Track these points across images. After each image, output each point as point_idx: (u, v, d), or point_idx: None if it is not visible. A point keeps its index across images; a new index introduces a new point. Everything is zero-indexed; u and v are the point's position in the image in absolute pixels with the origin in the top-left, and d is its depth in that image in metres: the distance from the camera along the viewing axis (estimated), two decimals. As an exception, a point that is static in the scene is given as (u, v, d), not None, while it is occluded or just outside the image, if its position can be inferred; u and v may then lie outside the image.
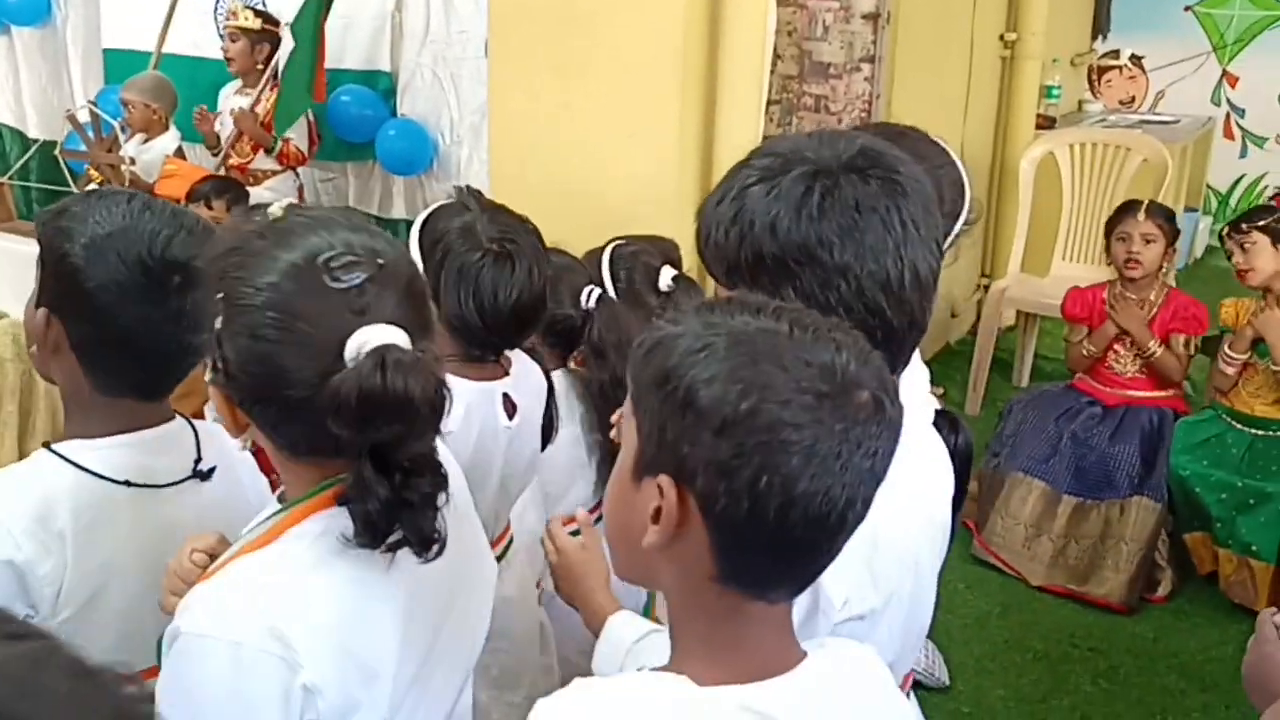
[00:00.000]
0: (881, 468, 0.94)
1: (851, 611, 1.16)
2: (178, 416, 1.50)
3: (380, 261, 1.10)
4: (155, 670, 1.12)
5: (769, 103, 3.63)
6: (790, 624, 1.02)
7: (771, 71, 3.53)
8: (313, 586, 1.11)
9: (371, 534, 1.10)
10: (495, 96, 3.63)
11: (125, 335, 1.37)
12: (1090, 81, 7.40)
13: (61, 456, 1.38)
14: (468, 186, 1.95)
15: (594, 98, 3.32)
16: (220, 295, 1.09)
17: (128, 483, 1.39)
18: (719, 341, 0.92)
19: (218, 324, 1.09)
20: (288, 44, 4.47)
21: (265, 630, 1.07)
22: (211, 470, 1.47)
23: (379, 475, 1.08)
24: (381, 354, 1.04)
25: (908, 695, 1.36)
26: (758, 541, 0.92)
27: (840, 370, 0.91)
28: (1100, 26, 7.28)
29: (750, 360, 0.91)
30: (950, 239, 1.70)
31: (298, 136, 4.63)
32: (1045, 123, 5.82)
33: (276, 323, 1.06)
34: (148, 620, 1.29)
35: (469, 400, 1.81)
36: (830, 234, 1.13)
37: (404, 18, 4.76)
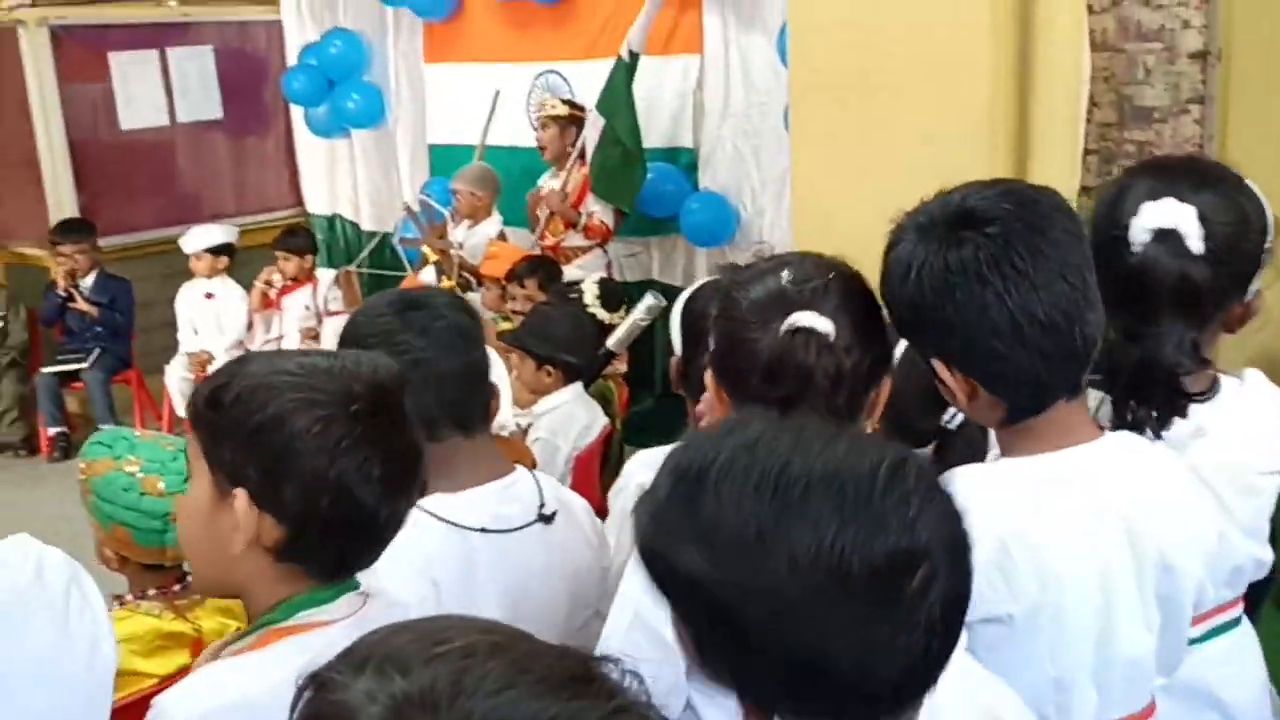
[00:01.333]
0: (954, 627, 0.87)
1: (985, 612, 1.16)
2: (519, 467, 1.65)
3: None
4: None
5: (1086, 152, 3.45)
6: None
7: (1087, 120, 3.35)
8: None
9: None
10: (797, 165, 3.65)
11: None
12: None
13: (429, 512, 1.53)
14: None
15: (898, 161, 3.26)
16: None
17: (484, 529, 1.54)
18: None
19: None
20: (594, 126, 4.70)
21: None
22: (553, 514, 1.63)
23: None
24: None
25: None
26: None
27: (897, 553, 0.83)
28: None
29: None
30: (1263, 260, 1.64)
31: (602, 211, 4.84)
32: None
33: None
34: None
35: None
36: (928, 295, 1.24)
37: (704, 94, 4.90)
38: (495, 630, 0.71)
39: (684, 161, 5.01)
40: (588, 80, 5.18)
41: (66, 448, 5.57)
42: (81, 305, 5.61)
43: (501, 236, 5.14)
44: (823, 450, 0.86)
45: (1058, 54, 3.05)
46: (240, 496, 1.17)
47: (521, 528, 1.58)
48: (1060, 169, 3.08)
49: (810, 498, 0.83)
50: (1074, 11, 3.12)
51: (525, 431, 3.17)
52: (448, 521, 1.53)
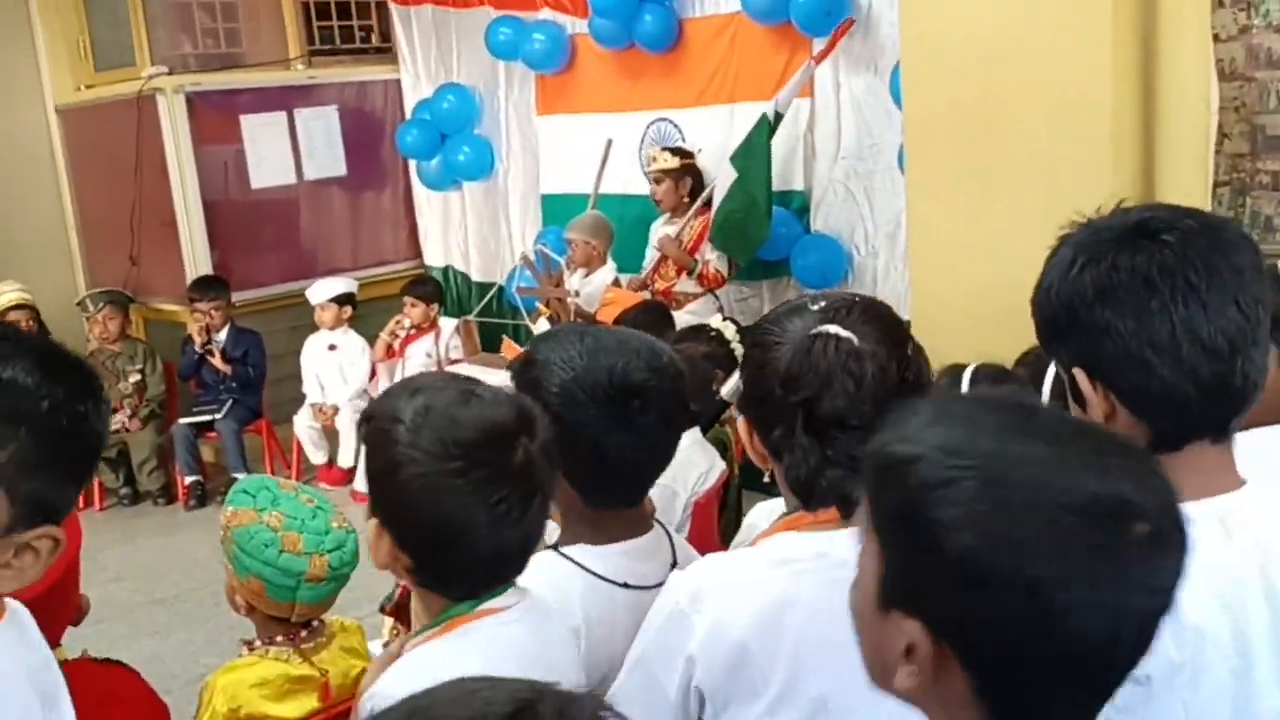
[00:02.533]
0: (1165, 599, 0.84)
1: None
2: (656, 524, 1.66)
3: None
4: None
5: (1216, 184, 3.33)
6: None
7: (1217, 151, 3.24)
8: None
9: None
10: (912, 206, 3.60)
11: (604, 458, 1.51)
12: None
13: (572, 560, 1.56)
14: None
15: (1017, 201, 3.20)
16: None
17: (626, 584, 1.55)
18: (966, 478, 0.82)
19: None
20: (711, 171, 4.72)
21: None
22: None
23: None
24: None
25: None
26: (1026, 690, 0.85)
27: (1112, 501, 0.81)
28: None
29: (1003, 507, 0.81)
30: None
31: (718, 259, 4.84)
32: None
33: None
34: None
35: None
36: (1089, 294, 1.17)
37: (815, 137, 4.88)
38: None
39: (795, 204, 4.99)
40: (699, 126, 5.23)
41: (202, 495, 5.78)
42: (218, 363, 5.83)
43: (616, 284, 5.18)
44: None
45: (1183, 85, 2.96)
46: (372, 525, 1.35)
47: (656, 585, 1.56)
48: (1190, 203, 2.98)
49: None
50: (1200, 41, 3.03)
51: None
52: (592, 573, 1.55)
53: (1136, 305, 1.14)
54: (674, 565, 1.61)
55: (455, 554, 1.30)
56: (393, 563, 1.35)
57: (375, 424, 1.33)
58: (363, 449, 1.39)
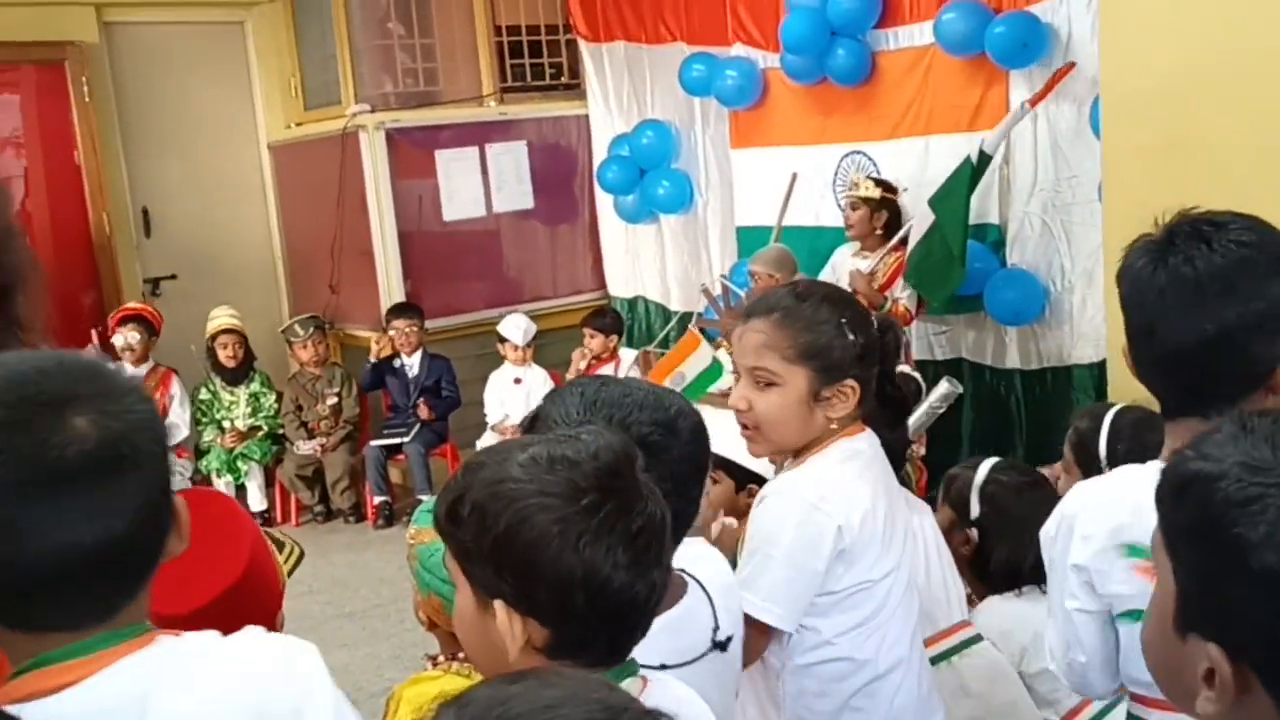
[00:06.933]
0: None
1: None
2: (689, 584, 1.51)
3: None
4: None
5: None
6: None
7: None
8: None
9: None
10: (1110, 239, 3.46)
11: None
12: None
13: None
14: None
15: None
16: None
17: (663, 665, 1.40)
18: (1270, 495, 0.79)
19: None
20: (923, 219, 4.64)
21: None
22: (729, 639, 1.52)
23: None
24: None
25: None
26: None
27: None
28: None
29: None
30: None
31: (908, 298, 4.75)
32: None
33: None
34: None
35: None
36: (1133, 292, 1.42)
37: (1011, 171, 4.75)
38: None
39: (991, 238, 4.85)
40: (894, 159, 5.15)
41: (389, 515, 5.99)
42: (423, 413, 6.04)
43: (798, 317, 5.13)
44: None
45: None
46: (499, 607, 1.17)
47: (699, 658, 1.47)
48: None
49: None
50: None
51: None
52: None
53: (1172, 303, 1.40)
54: (716, 628, 1.50)
55: (597, 607, 1.17)
56: (527, 654, 1.18)
57: (473, 499, 1.19)
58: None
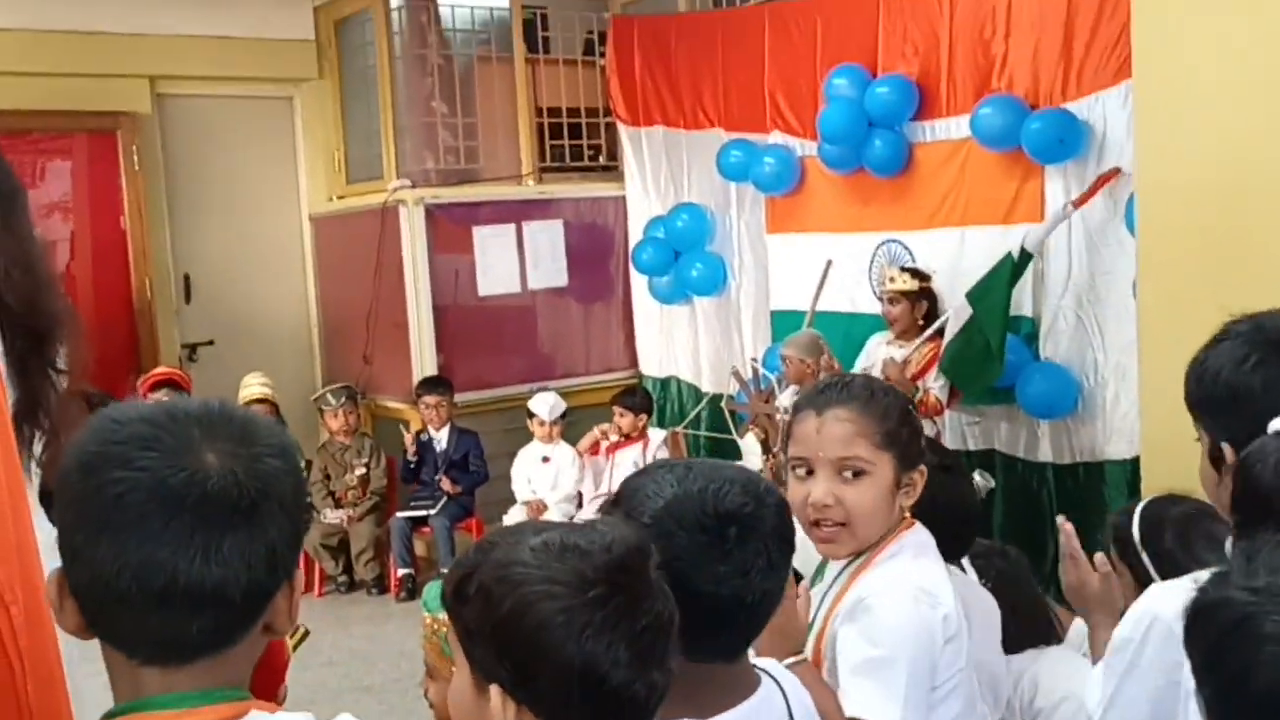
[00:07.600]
0: None
1: None
2: (763, 678, 1.48)
3: None
4: None
5: None
6: None
7: None
8: None
9: None
10: (1144, 336, 3.44)
11: (699, 594, 1.34)
12: None
13: None
14: None
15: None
16: None
17: None
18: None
19: None
20: (944, 295, 4.65)
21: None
22: None
23: None
24: None
25: None
26: None
27: None
28: None
29: None
30: None
31: (940, 389, 4.74)
32: None
33: None
34: None
35: None
36: (1255, 384, 1.50)
37: (1046, 264, 4.76)
38: None
39: (1024, 330, 4.85)
40: (930, 248, 5.18)
41: (412, 588, 5.96)
42: (447, 486, 6.06)
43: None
44: None
45: None
46: (495, 692, 1.15)
47: None
48: None
49: None
50: None
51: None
52: None
53: None
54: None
55: (593, 703, 1.14)
56: None
57: (481, 579, 1.17)
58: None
